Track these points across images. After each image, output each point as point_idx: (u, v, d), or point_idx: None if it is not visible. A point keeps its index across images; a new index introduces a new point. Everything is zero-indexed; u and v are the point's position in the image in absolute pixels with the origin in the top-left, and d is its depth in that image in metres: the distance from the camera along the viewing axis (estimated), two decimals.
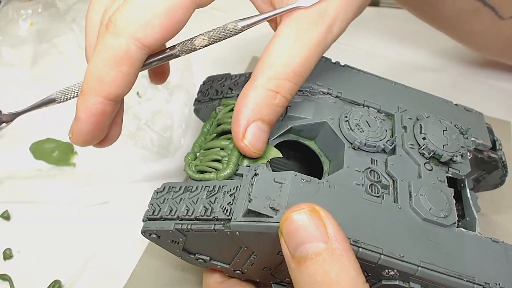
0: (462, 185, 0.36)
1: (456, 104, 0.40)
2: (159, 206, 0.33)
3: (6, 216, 0.47)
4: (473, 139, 0.37)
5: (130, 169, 0.52)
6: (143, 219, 0.34)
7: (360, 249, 0.27)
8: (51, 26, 0.66)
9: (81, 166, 0.52)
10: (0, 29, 0.64)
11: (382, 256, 0.27)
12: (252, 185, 0.29)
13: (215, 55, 0.64)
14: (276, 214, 0.27)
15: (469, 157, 0.36)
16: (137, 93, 0.59)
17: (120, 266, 0.45)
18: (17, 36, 0.64)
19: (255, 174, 0.30)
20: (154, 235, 0.33)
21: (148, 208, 0.34)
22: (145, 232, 0.34)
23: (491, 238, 0.31)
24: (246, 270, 0.34)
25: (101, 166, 0.52)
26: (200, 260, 0.35)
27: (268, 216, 0.27)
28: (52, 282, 0.43)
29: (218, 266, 0.35)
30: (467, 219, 0.35)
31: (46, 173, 0.51)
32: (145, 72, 0.62)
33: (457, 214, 0.36)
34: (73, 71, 0.61)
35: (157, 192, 0.35)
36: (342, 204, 0.29)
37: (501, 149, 0.39)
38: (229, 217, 0.29)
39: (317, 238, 0.24)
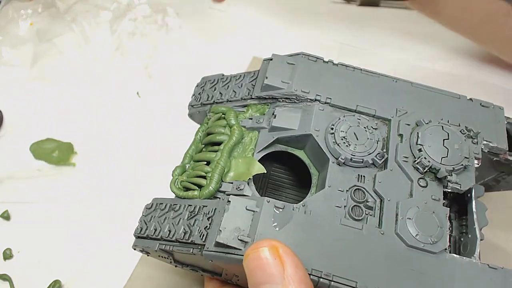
0: (468, 195, 0.32)
1: (470, 99, 0.35)
2: (146, 224, 0.33)
3: (6, 216, 0.47)
4: (485, 142, 0.33)
5: (131, 170, 0.52)
6: (134, 235, 0.34)
7: (332, 283, 0.26)
8: (51, 26, 0.66)
9: (81, 166, 0.52)
10: (0, 29, 0.64)
11: None
12: (224, 212, 0.28)
13: (216, 55, 0.64)
14: (245, 246, 0.27)
15: (477, 165, 0.32)
16: (137, 93, 0.59)
17: (120, 266, 0.45)
18: (17, 36, 0.64)
19: (228, 201, 0.29)
20: (143, 251, 0.34)
21: (137, 224, 0.34)
22: (136, 248, 0.34)
23: (488, 265, 0.28)
24: (236, 282, 0.34)
25: (101, 166, 0.52)
26: (193, 270, 0.35)
27: (236, 249, 0.27)
28: (52, 282, 0.43)
29: (212, 275, 0.35)
30: (469, 236, 0.32)
31: (46, 173, 0.51)
32: (143, 72, 0.62)
33: (462, 225, 0.33)
34: (73, 70, 0.61)
35: (147, 209, 0.34)
36: (317, 233, 0.28)
37: None
38: (205, 243, 0.29)
39: (273, 279, 0.24)
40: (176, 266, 0.35)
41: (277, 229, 0.27)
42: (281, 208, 0.28)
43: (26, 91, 0.59)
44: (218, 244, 0.27)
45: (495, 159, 0.34)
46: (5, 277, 0.44)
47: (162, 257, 0.34)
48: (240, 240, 0.27)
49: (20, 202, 0.49)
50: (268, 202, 0.28)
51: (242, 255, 0.26)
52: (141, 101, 0.59)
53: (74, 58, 0.63)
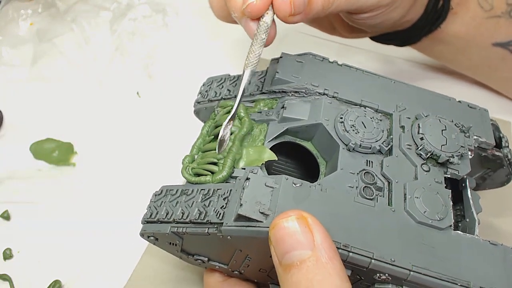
0: (463, 185, 0.36)
1: (459, 101, 0.39)
2: (156, 209, 0.34)
3: (6, 216, 0.47)
4: (475, 137, 0.36)
5: (131, 169, 0.52)
6: (141, 222, 0.35)
7: (350, 254, 0.27)
8: (51, 26, 0.66)
9: (81, 166, 0.52)
10: (0, 29, 0.65)
11: (372, 261, 0.27)
12: (244, 189, 0.29)
13: (216, 55, 0.64)
14: (266, 219, 0.27)
15: (471, 157, 0.35)
16: (137, 93, 0.59)
17: (121, 265, 0.45)
18: (17, 36, 0.64)
19: (247, 179, 0.30)
20: (152, 237, 0.34)
21: (146, 210, 0.35)
22: (144, 235, 0.34)
23: (489, 241, 0.30)
24: (243, 271, 0.34)
25: (101, 166, 0.52)
26: (199, 261, 0.35)
27: (257, 221, 0.27)
28: (52, 282, 0.43)
29: (217, 267, 0.35)
30: (467, 220, 0.34)
31: (46, 173, 0.51)
32: (143, 72, 0.62)
33: (457, 215, 0.36)
34: (73, 70, 0.61)
35: (155, 195, 0.35)
36: (334, 208, 0.29)
37: (507, 146, 0.38)
38: (222, 221, 0.29)
39: (303, 246, 0.24)
40: (181, 258, 0.36)
41: (296, 204, 0.28)
42: (299, 185, 0.29)
43: (26, 91, 0.59)
44: (238, 218, 0.28)
45: (483, 154, 0.37)
46: (5, 277, 0.44)
47: (170, 243, 0.34)
48: (261, 213, 0.28)
49: (20, 202, 0.49)
50: (286, 179, 0.29)
51: (264, 227, 0.27)
52: (141, 101, 0.59)
53: (74, 58, 0.63)
